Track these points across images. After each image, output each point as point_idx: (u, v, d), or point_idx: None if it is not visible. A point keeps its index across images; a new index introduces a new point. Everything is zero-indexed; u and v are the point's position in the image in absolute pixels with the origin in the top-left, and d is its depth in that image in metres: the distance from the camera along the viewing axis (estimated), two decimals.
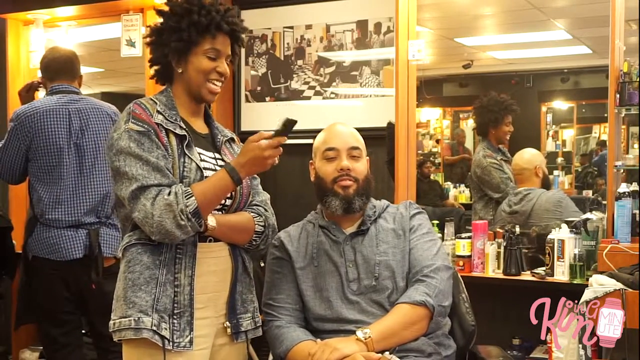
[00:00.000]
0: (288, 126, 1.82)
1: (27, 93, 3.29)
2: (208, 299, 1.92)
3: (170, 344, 1.82)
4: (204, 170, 1.89)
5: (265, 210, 2.04)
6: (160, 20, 1.96)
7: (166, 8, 1.94)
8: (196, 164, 1.88)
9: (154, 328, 1.81)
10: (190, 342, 1.85)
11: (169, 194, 1.78)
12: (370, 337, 1.92)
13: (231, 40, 1.97)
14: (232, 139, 2.11)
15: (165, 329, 1.82)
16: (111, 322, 1.87)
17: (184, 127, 1.92)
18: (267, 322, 2.11)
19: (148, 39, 1.99)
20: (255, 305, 2.05)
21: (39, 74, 3.20)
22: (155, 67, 2.00)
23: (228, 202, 1.95)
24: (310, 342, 2.00)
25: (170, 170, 1.84)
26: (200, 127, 2.02)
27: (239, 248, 1.99)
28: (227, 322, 1.96)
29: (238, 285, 1.98)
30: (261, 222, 2.00)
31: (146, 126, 1.84)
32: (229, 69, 1.99)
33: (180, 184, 1.82)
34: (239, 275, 1.98)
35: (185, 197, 1.78)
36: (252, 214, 2.00)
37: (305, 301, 2.10)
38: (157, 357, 1.82)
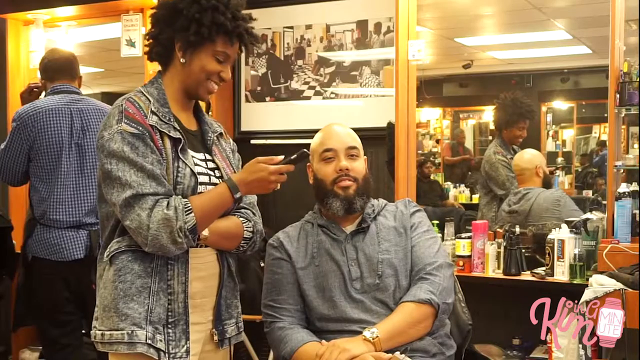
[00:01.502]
0: (300, 157, 1.82)
1: (30, 95, 3.27)
2: (196, 305, 1.86)
3: (166, 355, 1.76)
4: (198, 176, 1.82)
5: (254, 214, 1.97)
6: (176, 0, 1.82)
7: None
8: (190, 169, 1.81)
9: (149, 341, 1.74)
10: (187, 352, 1.80)
11: (168, 206, 1.71)
12: (377, 336, 1.92)
13: (240, 47, 1.91)
14: (221, 134, 2.02)
15: (161, 340, 1.76)
16: (98, 332, 1.79)
17: (178, 127, 1.84)
18: (269, 324, 2.10)
19: (158, 14, 1.87)
20: (238, 311, 2.00)
21: (39, 75, 3.20)
22: (155, 47, 1.90)
23: None
24: (316, 343, 2.00)
25: (165, 177, 1.76)
26: (190, 122, 1.94)
27: (225, 252, 1.94)
28: (214, 330, 1.91)
29: (223, 290, 1.93)
30: (250, 227, 1.93)
31: (141, 128, 1.75)
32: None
33: (179, 197, 1.75)
34: (224, 280, 1.93)
35: (186, 213, 1.71)
36: (241, 218, 1.93)
37: (308, 301, 2.09)
38: None
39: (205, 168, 1.89)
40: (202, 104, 2.05)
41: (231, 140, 2.08)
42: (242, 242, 1.93)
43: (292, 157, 1.81)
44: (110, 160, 1.74)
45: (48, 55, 3.19)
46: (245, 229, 1.92)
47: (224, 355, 1.98)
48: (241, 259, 2.06)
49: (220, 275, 1.92)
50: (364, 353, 1.88)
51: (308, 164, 2.20)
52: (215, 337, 1.91)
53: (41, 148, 2.93)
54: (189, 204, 1.73)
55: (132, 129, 1.74)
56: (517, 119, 3.89)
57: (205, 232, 1.83)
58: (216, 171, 1.91)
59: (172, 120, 1.83)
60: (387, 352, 1.92)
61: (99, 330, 1.79)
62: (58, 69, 3.08)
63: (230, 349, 1.99)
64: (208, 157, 1.92)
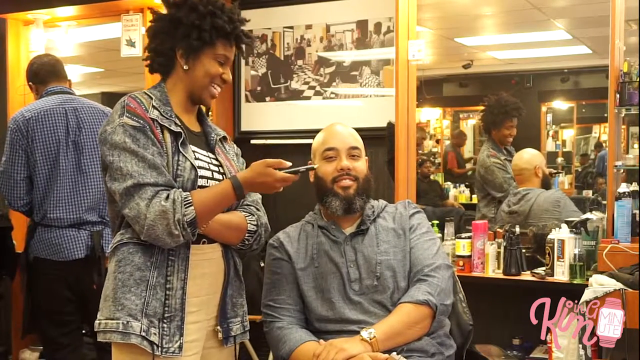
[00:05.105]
0: (306, 171, 1.87)
1: None
2: (200, 302, 1.88)
3: (159, 349, 1.78)
4: (198, 170, 1.85)
5: (257, 209, 2.00)
6: (173, 11, 1.89)
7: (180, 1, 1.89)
8: (190, 162, 1.84)
9: (143, 334, 1.76)
10: (180, 347, 1.80)
11: (167, 198, 1.73)
12: (375, 337, 1.92)
13: (237, 49, 1.96)
14: (225, 138, 2.07)
15: (155, 334, 1.78)
16: (97, 321, 1.82)
17: (179, 124, 1.88)
18: (268, 324, 2.10)
19: (156, 27, 1.92)
20: (244, 310, 2.02)
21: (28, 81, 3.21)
22: (156, 58, 1.94)
23: None
24: (314, 342, 2.00)
25: (165, 168, 1.79)
26: (193, 125, 1.98)
27: (231, 250, 1.96)
28: (219, 327, 1.93)
29: (229, 288, 1.95)
30: (253, 221, 1.96)
31: (141, 121, 1.79)
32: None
33: (180, 190, 1.77)
34: (230, 278, 1.95)
35: (185, 206, 1.74)
36: (244, 213, 1.96)
37: (307, 302, 2.09)
38: None
39: (209, 164, 1.92)
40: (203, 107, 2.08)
41: (234, 145, 2.13)
42: (247, 235, 1.94)
43: (300, 169, 1.83)
44: (112, 152, 1.78)
45: (36, 60, 3.22)
46: (249, 222, 1.94)
47: (229, 353, 1.99)
48: (242, 259, 2.07)
49: (226, 273, 1.94)
50: (361, 353, 1.88)
51: (309, 161, 2.20)
52: (220, 335, 1.93)
53: (38, 148, 2.92)
54: (189, 197, 1.76)
55: (134, 122, 1.79)
56: (503, 118, 3.90)
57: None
58: (220, 168, 1.95)
59: (173, 116, 1.88)
60: (384, 352, 1.92)
61: (98, 320, 1.83)
62: (50, 71, 3.11)
63: (235, 347, 2.00)
64: (212, 155, 1.96)
